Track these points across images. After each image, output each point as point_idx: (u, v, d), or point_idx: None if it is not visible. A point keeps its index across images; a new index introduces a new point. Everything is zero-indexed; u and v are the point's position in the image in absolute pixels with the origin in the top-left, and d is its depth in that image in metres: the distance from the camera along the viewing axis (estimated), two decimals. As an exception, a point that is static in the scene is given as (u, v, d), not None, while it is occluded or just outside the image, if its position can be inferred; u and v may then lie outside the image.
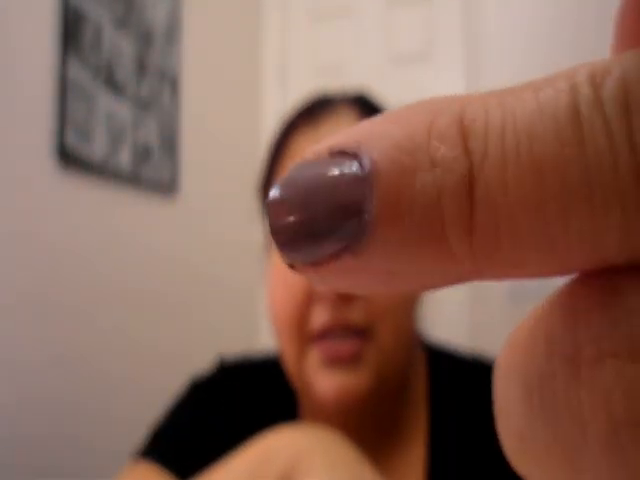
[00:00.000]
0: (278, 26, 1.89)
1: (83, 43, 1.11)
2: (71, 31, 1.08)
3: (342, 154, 0.10)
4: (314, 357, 0.46)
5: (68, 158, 1.07)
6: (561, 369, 0.09)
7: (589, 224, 0.08)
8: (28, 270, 1.00)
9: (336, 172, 0.09)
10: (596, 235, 0.08)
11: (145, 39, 1.31)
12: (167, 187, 1.38)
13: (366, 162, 0.09)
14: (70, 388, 1.06)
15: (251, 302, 1.72)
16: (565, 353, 0.09)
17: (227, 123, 1.68)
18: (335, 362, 0.45)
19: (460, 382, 0.52)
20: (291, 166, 0.10)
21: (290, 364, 0.49)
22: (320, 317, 0.45)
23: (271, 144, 0.55)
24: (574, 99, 0.08)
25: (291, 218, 0.10)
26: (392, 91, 1.38)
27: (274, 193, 0.10)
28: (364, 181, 0.09)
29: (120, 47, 1.22)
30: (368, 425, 0.49)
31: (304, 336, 0.46)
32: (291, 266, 0.10)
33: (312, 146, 0.10)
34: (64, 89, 1.06)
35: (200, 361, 0.76)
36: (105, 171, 1.17)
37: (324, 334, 0.45)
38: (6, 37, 0.97)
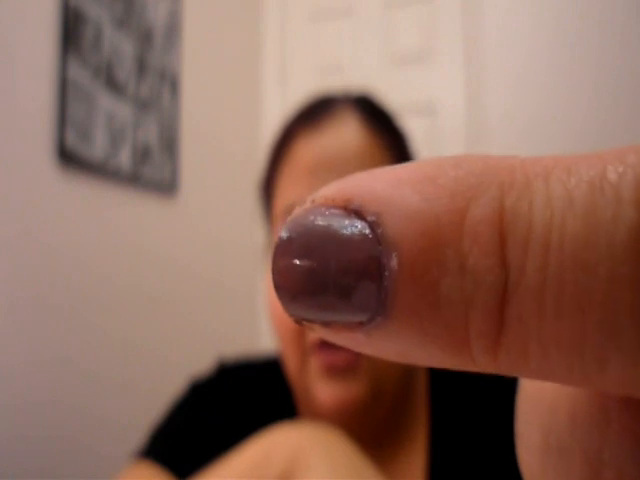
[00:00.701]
0: (278, 26, 1.89)
1: (83, 43, 1.11)
2: (71, 31, 1.08)
3: (359, 215, 0.09)
4: (313, 366, 0.46)
5: (68, 158, 1.07)
6: (581, 464, 0.09)
7: (631, 371, 0.07)
8: (28, 270, 0.99)
9: (352, 236, 0.08)
10: (637, 382, 0.07)
11: (145, 39, 1.31)
12: (167, 187, 1.38)
13: (386, 243, 0.08)
14: (70, 389, 1.06)
15: (251, 302, 1.72)
16: (587, 455, 0.08)
17: (227, 123, 1.68)
18: (332, 371, 0.45)
19: (461, 386, 0.52)
20: (300, 210, 0.09)
21: (291, 371, 0.49)
22: None
23: (272, 146, 0.54)
24: (638, 223, 0.07)
25: (298, 272, 0.09)
26: (392, 91, 1.38)
27: (281, 243, 0.09)
28: (383, 261, 0.08)
29: (120, 47, 1.22)
30: (368, 431, 0.49)
31: (303, 347, 0.46)
32: (297, 322, 0.09)
33: (323, 189, 0.09)
34: (64, 89, 1.06)
35: (200, 362, 0.76)
36: (105, 171, 1.17)
37: (322, 345, 0.45)
38: (6, 37, 0.97)
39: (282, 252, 0.09)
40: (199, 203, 1.51)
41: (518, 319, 0.08)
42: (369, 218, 0.08)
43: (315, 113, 0.52)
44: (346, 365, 0.45)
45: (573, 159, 0.08)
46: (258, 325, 1.73)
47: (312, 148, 0.49)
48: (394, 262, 0.08)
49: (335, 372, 0.45)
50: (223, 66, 1.68)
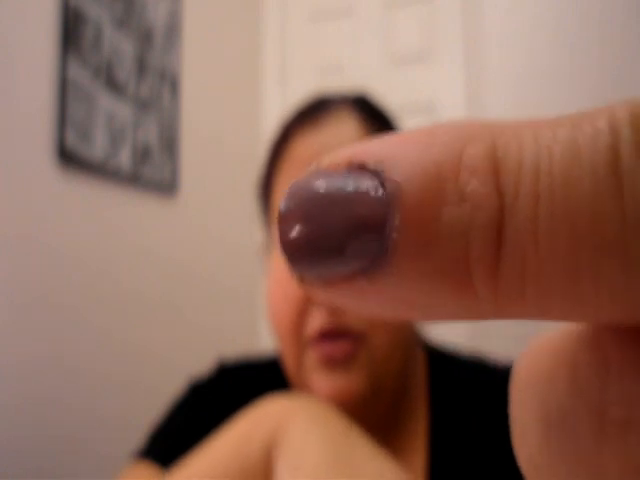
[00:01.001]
0: (278, 26, 1.89)
1: (83, 43, 1.11)
2: (71, 31, 1.08)
3: (362, 169, 0.09)
4: (311, 359, 0.46)
5: (68, 158, 1.07)
6: (586, 418, 0.09)
7: (623, 283, 0.08)
8: (27, 270, 1.00)
9: (355, 188, 0.09)
10: (629, 295, 0.08)
11: (145, 39, 1.31)
12: (167, 187, 1.38)
13: (389, 185, 0.09)
14: (70, 389, 1.06)
15: (251, 302, 1.72)
16: (591, 404, 0.09)
17: (227, 123, 1.68)
18: (330, 363, 0.45)
19: (460, 383, 0.52)
20: (305, 173, 0.10)
21: (289, 366, 0.49)
22: (317, 321, 0.45)
23: (271, 146, 0.55)
24: (614, 143, 0.08)
25: (303, 230, 0.09)
26: (392, 91, 1.38)
27: (286, 202, 0.10)
28: (386, 205, 0.09)
29: (120, 47, 1.22)
30: (367, 427, 0.49)
31: (302, 340, 0.46)
32: (300, 280, 0.10)
33: (329, 154, 0.10)
34: (64, 89, 1.06)
35: (200, 362, 0.76)
36: (105, 171, 1.17)
37: (320, 337, 0.45)
38: (6, 37, 0.97)
39: (286, 213, 0.10)
40: (199, 203, 1.52)
41: (514, 241, 0.08)
42: (371, 166, 0.09)
43: (313, 112, 0.52)
44: (344, 357, 0.45)
45: (558, 118, 0.09)
46: (258, 325, 1.73)
47: (310, 146, 0.49)
48: (397, 204, 0.09)
49: (333, 364, 0.45)
50: (223, 66, 1.68)
